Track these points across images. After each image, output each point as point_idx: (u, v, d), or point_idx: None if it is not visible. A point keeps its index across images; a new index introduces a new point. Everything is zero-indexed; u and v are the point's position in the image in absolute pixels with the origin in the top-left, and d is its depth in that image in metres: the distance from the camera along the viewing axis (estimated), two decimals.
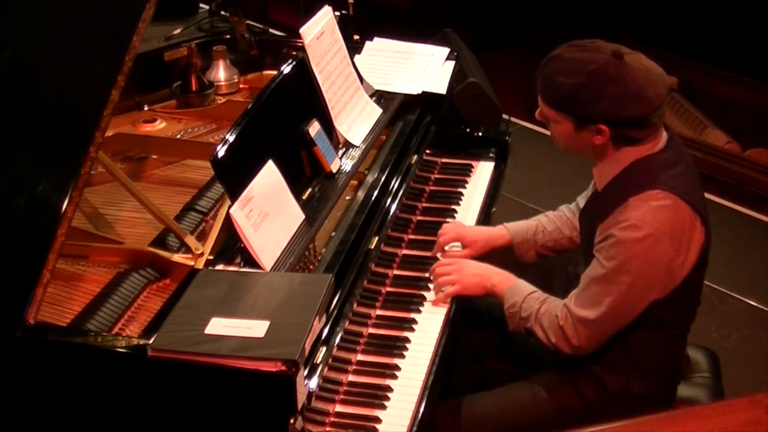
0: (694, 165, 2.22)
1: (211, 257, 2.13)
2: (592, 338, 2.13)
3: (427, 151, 2.80)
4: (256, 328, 1.73)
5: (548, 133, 2.27)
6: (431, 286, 2.42)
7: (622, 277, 2.07)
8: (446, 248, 2.52)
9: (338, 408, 2.04)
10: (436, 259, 2.51)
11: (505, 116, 3.45)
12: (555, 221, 2.52)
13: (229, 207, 1.97)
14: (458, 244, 2.52)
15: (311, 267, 2.19)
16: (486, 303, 2.52)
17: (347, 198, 2.42)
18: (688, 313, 2.25)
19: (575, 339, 2.14)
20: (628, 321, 2.13)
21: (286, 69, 2.40)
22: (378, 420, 2.01)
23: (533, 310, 2.21)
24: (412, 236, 2.59)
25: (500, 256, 2.56)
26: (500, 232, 2.54)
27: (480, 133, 3.01)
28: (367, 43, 2.94)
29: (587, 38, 2.18)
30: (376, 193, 2.39)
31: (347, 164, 2.42)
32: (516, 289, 2.28)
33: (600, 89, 2.06)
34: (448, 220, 2.67)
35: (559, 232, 2.50)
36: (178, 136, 2.78)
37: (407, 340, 2.24)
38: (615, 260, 2.07)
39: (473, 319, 2.56)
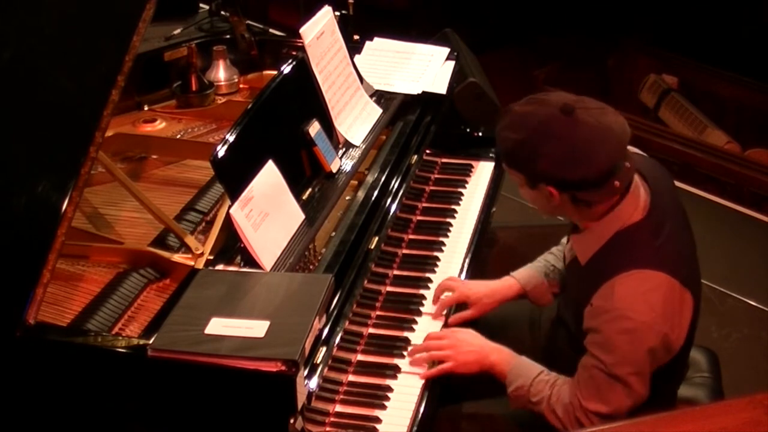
0: (678, 204, 2.13)
1: (211, 257, 2.13)
2: (607, 420, 2.04)
3: (427, 151, 2.80)
4: (256, 328, 1.73)
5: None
6: (431, 285, 2.42)
7: (624, 370, 1.98)
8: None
9: (338, 408, 2.04)
10: (438, 257, 2.51)
11: None
12: (561, 258, 2.39)
13: (229, 207, 1.97)
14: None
15: (311, 267, 2.20)
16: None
17: (347, 198, 2.42)
18: (684, 351, 2.18)
19: (590, 426, 2.04)
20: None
21: (286, 69, 2.40)
22: (378, 420, 2.01)
23: (544, 396, 2.09)
24: (412, 236, 2.59)
25: (499, 259, 2.53)
26: (508, 284, 2.39)
27: (480, 133, 3.01)
28: (367, 43, 2.94)
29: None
30: (376, 193, 2.39)
31: (347, 164, 2.42)
32: (520, 371, 2.15)
33: (540, 147, 1.95)
34: (448, 220, 2.67)
35: None
36: (178, 136, 2.78)
37: (407, 340, 2.24)
38: (613, 355, 1.98)
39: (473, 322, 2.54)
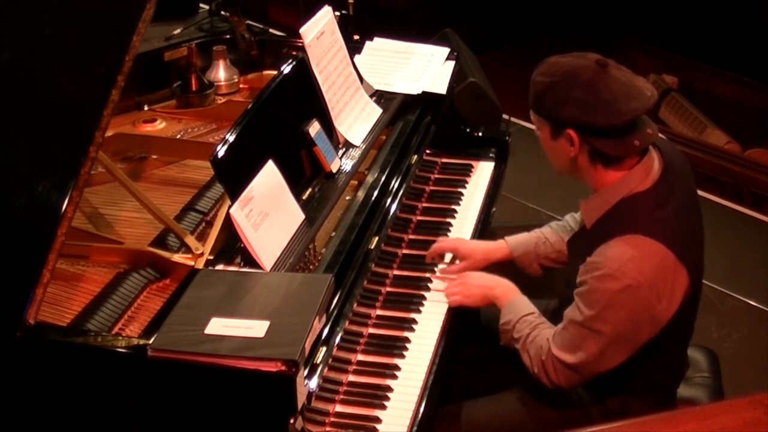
0: (691, 191, 2.16)
1: (211, 257, 2.13)
2: (570, 379, 2.10)
3: (427, 151, 2.80)
4: (256, 328, 1.73)
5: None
6: (431, 286, 2.42)
7: (601, 326, 2.03)
8: (441, 265, 2.49)
9: (338, 408, 2.04)
10: (433, 263, 2.51)
11: (505, 116, 3.45)
12: (558, 231, 2.45)
13: (229, 207, 1.97)
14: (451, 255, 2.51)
15: (311, 267, 2.19)
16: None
17: (347, 198, 2.42)
18: (682, 339, 2.22)
19: (554, 377, 2.11)
20: (613, 365, 2.07)
21: (286, 69, 2.40)
22: (378, 420, 2.01)
23: (523, 335, 2.18)
24: (412, 236, 2.59)
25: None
26: (498, 246, 2.50)
27: (480, 133, 3.01)
28: (367, 43, 2.94)
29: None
30: (376, 193, 2.39)
31: (347, 164, 2.42)
32: (513, 307, 2.26)
33: (569, 91, 2.02)
34: (448, 220, 2.67)
35: (563, 243, 2.42)
36: (178, 136, 2.78)
37: (407, 340, 2.24)
38: (593, 309, 2.02)
39: (472, 322, 2.55)
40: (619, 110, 1.99)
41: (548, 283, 2.62)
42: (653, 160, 2.09)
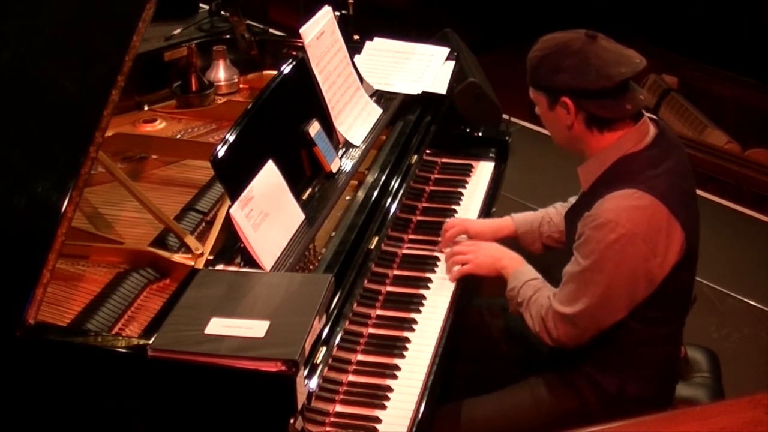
0: (685, 163, 2.21)
1: (211, 257, 2.13)
2: (569, 334, 2.15)
3: (427, 151, 2.80)
4: (256, 328, 1.73)
5: (548, 133, 2.30)
6: (431, 285, 2.42)
7: (597, 276, 2.09)
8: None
9: (338, 408, 2.04)
10: (438, 257, 2.51)
11: (505, 116, 3.45)
12: (562, 212, 2.48)
13: (229, 207, 1.97)
14: (464, 236, 2.55)
15: (311, 267, 2.19)
16: (486, 303, 2.52)
17: (347, 198, 2.42)
18: (678, 312, 2.25)
19: (554, 332, 2.17)
20: (610, 320, 2.13)
21: (286, 69, 2.40)
22: (378, 420, 2.01)
23: (527, 297, 2.25)
24: (412, 236, 2.59)
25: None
26: (505, 223, 2.57)
27: (480, 133, 3.01)
28: (367, 43, 2.94)
29: None
30: (376, 193, 2.39)
31: (347, 164, 2.42)
32: (519, 273, 2.32)
33: (561, 60, 2.12)
34: (448, 220, 2.67)
35: None
36: (178, 136, 2.78)
37: (407, 340, 2.24)
38: (589, 259, 2.09)
39: (471, 321, 2.56)
40: (609, 74, 2.08)
41: (548, 279, 2.62)
42: (648, 126, 2.17)
